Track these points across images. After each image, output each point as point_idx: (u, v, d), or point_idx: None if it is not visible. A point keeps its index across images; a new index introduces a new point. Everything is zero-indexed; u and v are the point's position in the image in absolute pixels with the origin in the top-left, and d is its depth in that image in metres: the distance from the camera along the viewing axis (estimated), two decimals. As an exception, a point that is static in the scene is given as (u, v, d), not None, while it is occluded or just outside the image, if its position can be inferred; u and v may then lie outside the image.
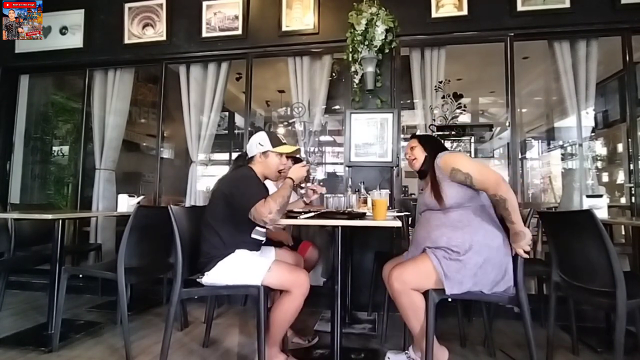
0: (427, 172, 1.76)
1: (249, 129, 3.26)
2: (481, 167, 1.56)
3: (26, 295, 3.09)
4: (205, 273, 1.69)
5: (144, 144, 4.85)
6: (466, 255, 1.52)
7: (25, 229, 2.71)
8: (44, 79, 3.96)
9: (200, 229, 1.78)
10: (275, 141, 1.86)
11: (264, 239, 1.90)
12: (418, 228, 1.78)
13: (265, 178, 1.90)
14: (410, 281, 1.55)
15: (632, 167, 2.64)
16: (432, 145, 1.81)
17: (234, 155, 2.34)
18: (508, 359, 1.99)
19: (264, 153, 1.85)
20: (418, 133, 1.95)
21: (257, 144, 1.85)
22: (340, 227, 1.60)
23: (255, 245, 1.84)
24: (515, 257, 1.55)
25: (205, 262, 1.71)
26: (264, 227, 1.85)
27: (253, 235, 1.81)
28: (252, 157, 1.89)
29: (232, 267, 1.69)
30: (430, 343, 1.54)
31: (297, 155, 2.46)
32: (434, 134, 2.93)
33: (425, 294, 1.55)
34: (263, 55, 3.23)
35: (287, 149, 1.88)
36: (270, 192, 1.94)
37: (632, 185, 2.65)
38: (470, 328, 2.42)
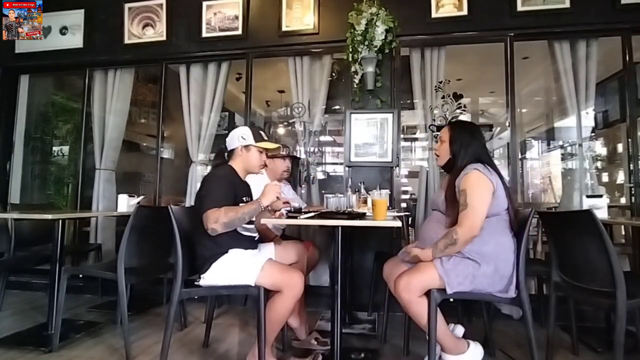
0: (451, 169, 1.71)
1: (249, 129, 3.26)
2: (478, 209, 1.51)
3: (26, 295, 3.09)
4: (202, 276, 1.68)
5: (144, 144, 4.84)
6: (474, 264, 1.53)
7: (25, 229, 2.71)
8: (44, 79, 3.96)
9: (193, 232, 1.77)
10: (257, 137, 1.85)
11: (256, 234, 1.90)
12: (427, 225, 1.77)
13: (247, 173, 1.89)
14: (417, 288, 1.55)
15: (632, 167, 2.64)
16: (465, 149, 1.66)
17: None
18: (508, 359, 1.99)
19: (246, 147, 1.84)
20: (455, 121, 1.75)
21: (240, 137, 1.84)
22: (340, 227, 1.59)
23: (250, 242, 1.82)
24: (517, 259, 1.55)
25: (200, 265, 1.70)
26: (251, 223, 1.85)
27: (242, 232, 1.80)
28: (232, 151, 1.86)
29: (226, 268, 1.68)
30: (433, 342, 1.54)
31: (283, 153, 2.42)
32: (434, 134, 2.94)
33: (428, 293, 1.55)
34: (263, 55, 3.23)
35: (269, 145, 1.88)
36: (255, 188, 1.92)
37: (632, 185, 2.65)
38: (470, 328, 2.41)
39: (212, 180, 1.73)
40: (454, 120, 1.82)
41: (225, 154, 1.92)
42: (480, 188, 1.54)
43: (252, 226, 1.87)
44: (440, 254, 1.55)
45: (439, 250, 1.55)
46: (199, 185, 3.24)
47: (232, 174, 1.82)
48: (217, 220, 1.57)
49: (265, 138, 1.89)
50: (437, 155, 1.78)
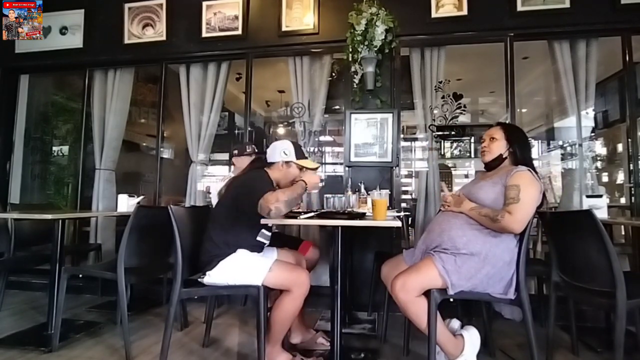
0: (494, 167, 1.74)
1: (249, 128, 3.27)
2: (528, 206, 1.52)
3: (26, 295, 3.09)
4: (207, 273, 1.69)
5: (144, 144, 4.84)
6: (478, 263, 1.53)
7: (25, 229, 2.71)
8: (44, 79, 3.96)
9: (207, 226, 1.77)
10: (299, 154, 1.88)
11: (267, 242, 1.91)
12: (441, 216, 1.75)
13: (278, 186, 1.88)
14: (414, 289, 1.54)
15: (632, 167, 2.63)
16: (521, 150, 1.70)
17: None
18: (508, 359, 1.99)
19: (287, 162, 1.86)
20: (504, 122, 1.84)
21: (282, 152, 1.85)
22: (340, 227, 1.59)
23: (258, 248, 1.84)
24: (517, 260, 1.55)
25: (206, 261, 1.71)
26: (269, 231, 1.87)
27: (258, 238, 1.82)
28: (271, 163, 1.88)
29: (233, 266, 1.69)
30: (433, 343, 1.54)
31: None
32: (434, 134, 2.94)
33: (427, 293, 1.55)
34: (263, 55, 3.23)
35: (310, 164, 1.89)
36: None
37: (632, 185, 2.64)
38: (470, 328, 2.42)
39: (257, 178, 1.74)
40: (503, 122, 1.86)
41: (264, 164, 1.90)
42: (534, 188, 1.55)
43: (269, 233, 1.89)
44: (473, 214, 1.58)
45: (477, 212, 1.57)
46: (199, 185, 3.30)
47: (267, 177, 1.81)
48: (278, 199, 1.52)
49: (306, 156, 1.92)
50: (485, 152, 1.78)
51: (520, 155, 1.70)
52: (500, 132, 1.75)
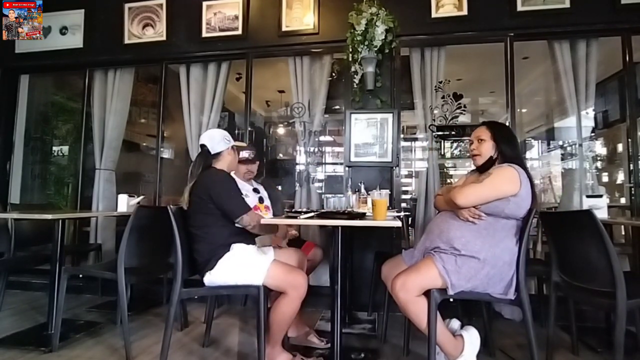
0: (486, 169, 1.70)
1: (249, 128, 3.26)
2: (483, 192, 1.53)
3: (26, 295, 3.09)
4: (208, 272, 1.68)
5: (144, 144, 4.84)
6: (478, 264, 1.53)
7: (25, 229, 2.71)
8: (44, 79, 3.96)
9: (190, 232, 1.76)
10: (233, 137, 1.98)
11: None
12: (440, 217, 1.74)
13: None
14: (414, 288, 1.54)
15: (632, 167, 2.63)
16: (512, 148, 1.67)
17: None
18: (508, 359, 1.99)
19: (233, 148, 1.93)
20: (489, 121, 1.78)
21: (224, 139, 1.88)
22: (340, 227, 1.59)
23: (251, 238, 1.84)
24: (517, 260, 1.55)
25: (204, 262, 1.71)
26: None
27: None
28: (218, 153, 1.87)
29: (233, 265, 1.69)
30: (433, 343, 1.54)
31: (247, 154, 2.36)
32: (434, 134, 2.94)
33: (427, 293, 1.55)
34: (263, 55, 3.23)
35: (241, 143, 2.06)
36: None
37: (632, 185, 2.64)
38: (470, 328, 2.42)
39: (226, 182, 1.76)
40: (488, 121, 1.82)
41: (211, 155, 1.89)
42: (502, 180, 1.54)
43: None
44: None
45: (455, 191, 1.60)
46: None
47: (232, 177, 1.85)
48: (258, 221, 1.71)
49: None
50: (476, 155, 1.73)
51: (510, 153, 1.66)
52: (487, 132, 1.71)
